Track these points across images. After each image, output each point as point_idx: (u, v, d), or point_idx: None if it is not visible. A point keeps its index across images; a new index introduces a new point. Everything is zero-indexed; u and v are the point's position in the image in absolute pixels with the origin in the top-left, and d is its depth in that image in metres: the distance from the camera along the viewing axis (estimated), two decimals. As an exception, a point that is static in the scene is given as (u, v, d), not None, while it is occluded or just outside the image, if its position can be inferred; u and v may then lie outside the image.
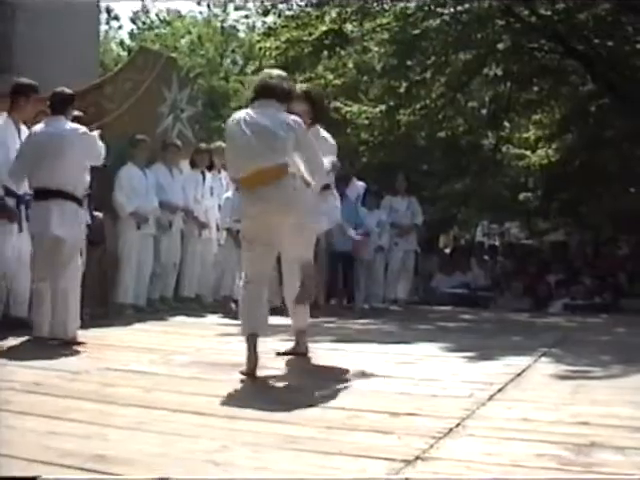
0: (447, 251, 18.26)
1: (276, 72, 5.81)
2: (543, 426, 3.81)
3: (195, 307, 9.63)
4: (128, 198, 8.88)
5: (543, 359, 6.27)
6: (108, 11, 31.39)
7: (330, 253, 10.63)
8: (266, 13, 15.91)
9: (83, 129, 6.57)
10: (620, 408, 4.30)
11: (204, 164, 10.15)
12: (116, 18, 33.22)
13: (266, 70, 6.22)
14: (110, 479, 2.95)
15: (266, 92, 5.32)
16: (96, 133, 6.77)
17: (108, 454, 3.18)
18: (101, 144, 6.71)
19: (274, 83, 5.41)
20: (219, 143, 10.03)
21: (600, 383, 5.26)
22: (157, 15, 32.56)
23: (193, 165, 10.06)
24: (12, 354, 5.81)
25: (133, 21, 32.95)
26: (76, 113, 6.92)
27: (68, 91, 6.67)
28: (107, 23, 31.57)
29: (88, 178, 6.83)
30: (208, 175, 10.17)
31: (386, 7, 14.15)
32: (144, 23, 32.86)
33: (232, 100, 26.51)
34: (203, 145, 10.47)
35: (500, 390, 4.77)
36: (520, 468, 3.15)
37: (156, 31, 32.25)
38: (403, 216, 11.65)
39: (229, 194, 9.82)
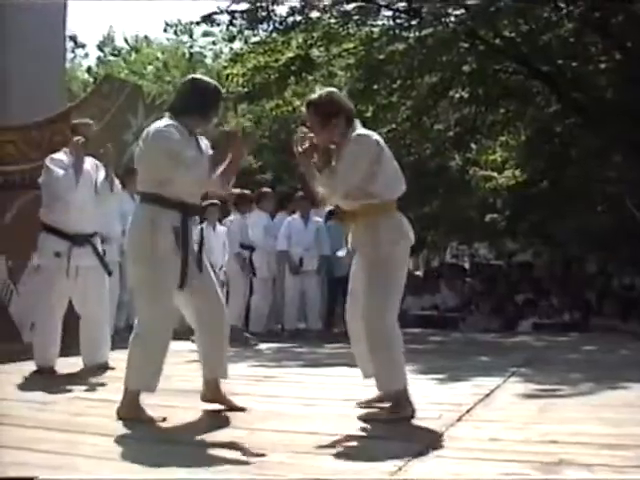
0: (418, 274, 18.26)
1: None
2: (511, 445, 3.82)
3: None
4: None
5: (512, 379, 6.30)
6: (74, 39, 31.37)
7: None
8: (232, 39, 15.92)
9: None
10: (588, 426, 4.32)
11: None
12: (82, 46, 33.26)
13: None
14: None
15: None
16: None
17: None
18: None
19: None
20: None
21: (569, 401, 5.29)
22: (125, 40, 32.60)
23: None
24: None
25: (100, 48, 32.98)
26: None
27: None
28: (73, 51, 31.57)
29: None
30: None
31: (351, 32, 14.20)
32: (114, 49, 32.88)
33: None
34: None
35: (469, 411, 4.78)
36: (488, 488, 3.17)
37: (124, 57, 32.26)
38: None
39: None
